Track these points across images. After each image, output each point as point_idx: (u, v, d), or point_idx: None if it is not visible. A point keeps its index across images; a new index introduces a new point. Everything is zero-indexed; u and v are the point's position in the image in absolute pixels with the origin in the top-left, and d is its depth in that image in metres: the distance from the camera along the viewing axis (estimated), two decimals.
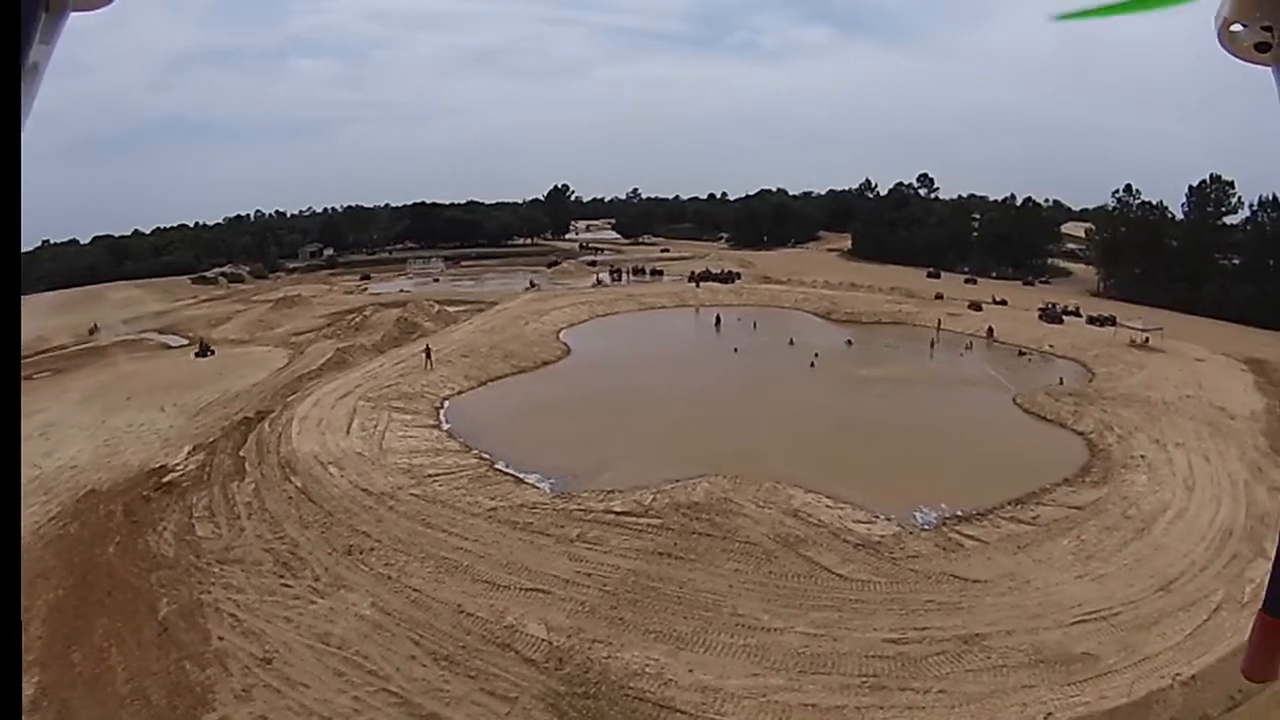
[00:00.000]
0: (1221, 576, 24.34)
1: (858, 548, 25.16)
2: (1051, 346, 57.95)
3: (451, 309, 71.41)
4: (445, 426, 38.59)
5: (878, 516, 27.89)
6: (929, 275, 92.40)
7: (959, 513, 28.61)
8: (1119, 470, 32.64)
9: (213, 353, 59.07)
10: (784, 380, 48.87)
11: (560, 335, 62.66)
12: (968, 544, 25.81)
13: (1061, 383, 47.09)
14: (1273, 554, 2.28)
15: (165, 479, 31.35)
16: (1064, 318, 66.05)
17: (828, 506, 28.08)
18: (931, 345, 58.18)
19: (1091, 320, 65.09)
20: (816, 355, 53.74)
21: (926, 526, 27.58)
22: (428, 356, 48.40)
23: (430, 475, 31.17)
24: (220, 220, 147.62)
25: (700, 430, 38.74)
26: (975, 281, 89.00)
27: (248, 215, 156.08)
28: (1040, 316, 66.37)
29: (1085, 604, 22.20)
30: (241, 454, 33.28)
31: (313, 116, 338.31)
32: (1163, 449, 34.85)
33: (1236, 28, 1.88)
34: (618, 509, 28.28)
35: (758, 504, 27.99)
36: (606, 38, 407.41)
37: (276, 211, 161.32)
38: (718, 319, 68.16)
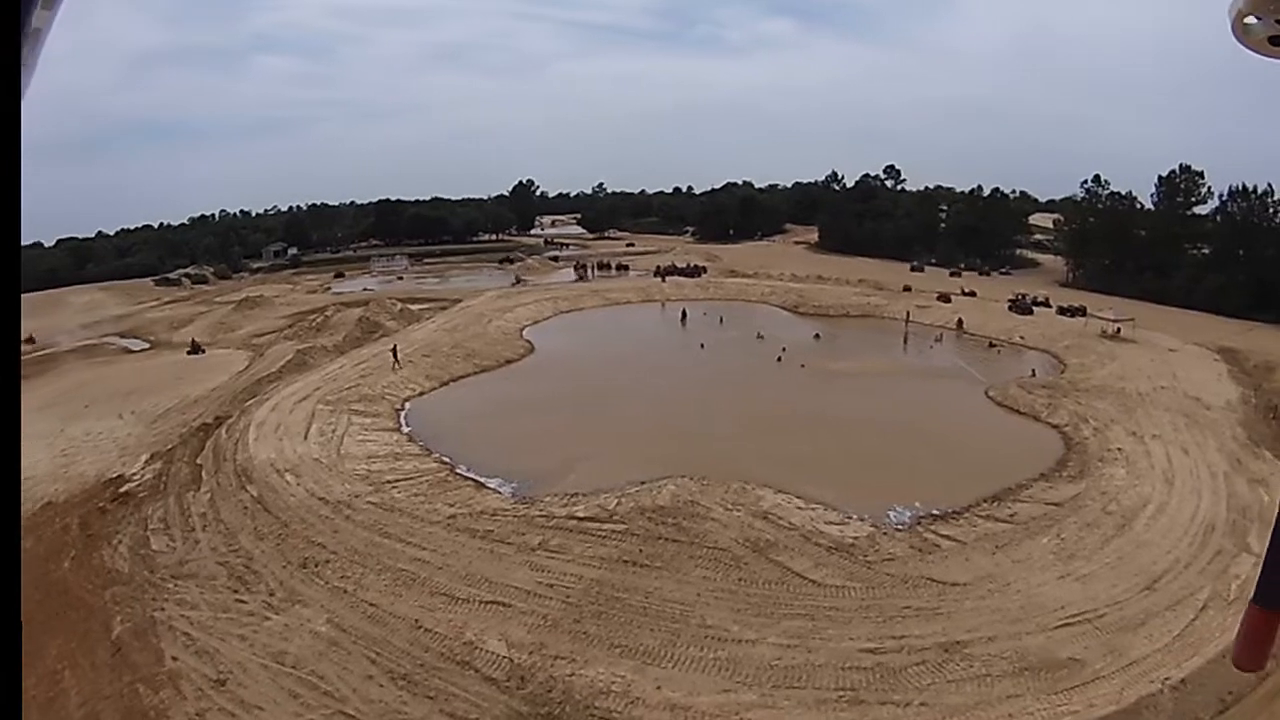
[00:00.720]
0: (1206, 573, 23.70)
1: (831, 551, 24.18)
2: (1022, 338, 57.52)
3: (414, 307, 70.11)
4: (406, 429, 37.66)
5: (850, 517, 26.98)
6: (912, 269, 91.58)
7: (934, 511, 27.80)
8: (1096, 464, 32.00)
9: (203, 351, 60.62)
10: (751, 376, 47.97)
11: (524, 333, 61.53)
12: (944, 544, 24.93)
13: (1034, 375, 46.64)
14: (1257, 548, 5.47)
15: (122, 489, 30.61)
16: (1034, 309, 65.71)
17: (799, 508, 27.08)
18: (905, 341, 57.29)
19: (1062, 311, 64.88)
20: (784, 350, 52.81)
21: (901, 527, 26.70)
22: (395, 356, 47.64)
23: (389, 482, 30.20)
24: (185, 220, 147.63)
25: (666, 429, 37.73)
26: (959, 274, 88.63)
27: (213, 215, 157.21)
28: (1010, 308, 65.97)
29: (1068, 606, 21.40)
30: (198, 462, 32.51)
31: (278, 115, 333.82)
32: (1140, 441, 34.33)
33: (1251, 20, 1.85)
34: (580, 514, 27.13)
35: (726, 507, 26.91)
36: (572, 33, 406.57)
37: (241, 211, 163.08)
38: (683, 314, 67.08)
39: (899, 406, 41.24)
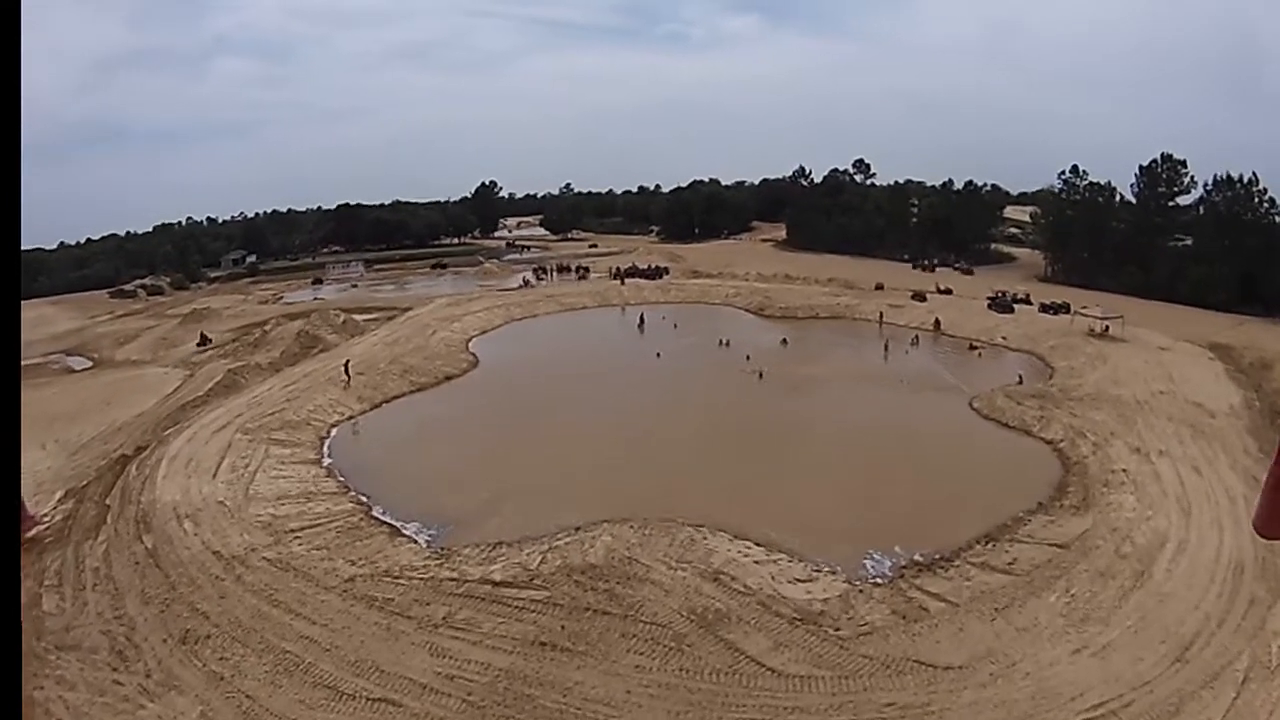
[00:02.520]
0: (1242, 632, 19.93)
1: (795, 623, 19.99)
2: (1004, 338, 53.98)
3: (361, 317, 66.38)
4: (327, 461, 34.56)
5: (819, 569, 23.04)
6: (921, 268, 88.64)
7: (918, 557, 23.91)
8: (1101, 490, 28.21)
9: (211, 341, 62.45)
10: (711, 388, 44.03)
11: (470, 344, 57.64)
12: (933, 606, 20.87)
13: (1021, 381, 42.82)
14: None
15: (29, 534, 27.72)
16: (1015, 306, 62.23)
17: (756, 562, 23.01)
18: (885, 347, 52.74)
19: (1045, 308, 61.50)
20: (748, 358, 48.95)
21: (880, 580, 22.71)
22: (346, 372, 45.68)
23: (292, 531, 26.90)
24: (150, 228, 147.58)
25: (611, 455, 33.96)
26: (933, 268, 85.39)
27: (179, 222, 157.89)
28: (990, 305, 62.47)
29: (1088, 692, 17.41)
30: (107, 502, 29.70)
31: (240, 117, 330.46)
32: (1145, 459, 30.62)
33: None
34: (497, 577, 22.94)
35: (669, 564, 22.70)
36: (534, 30, 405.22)
37: (208, 218, 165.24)
38: (641, 319, 63.16)
39: (874, 423, 37.36)
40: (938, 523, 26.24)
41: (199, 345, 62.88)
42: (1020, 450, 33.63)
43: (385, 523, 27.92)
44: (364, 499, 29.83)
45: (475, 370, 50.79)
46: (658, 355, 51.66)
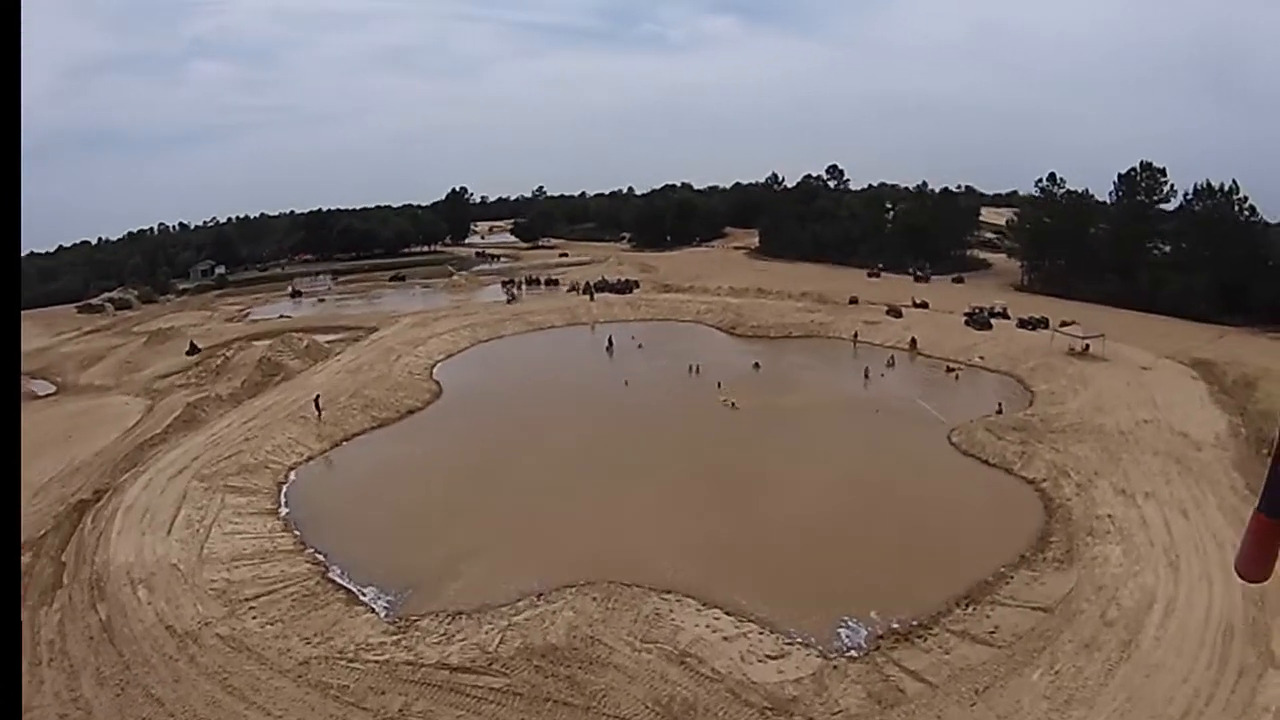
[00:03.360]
0: (1231, 708, 19.19)
1: (765, 713, 18.96)
2: (982, 358, 53.37)
3: (325, 338, 65.41)
4: (284, 511, 33.50)
5: (792, 641, 22.15)
6: (869, 275, 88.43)
7: (895, 624, 23.04)
8: (1085, 540, 27.44)
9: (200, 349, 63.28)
10: (681, 422, 42.98)
11: (435, 370, 56.63)
12: (910, 688, 19.91)
13: (1000, 410, 42.07)
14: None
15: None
16: (992, 321, 61.55)
17: (725, 639, 22.00)
18: (866, 374, 51.37)
19: (1023, 324, 60.93)
20: (719, 385, 48.00)
21: (855, 652, 21.80)
22: (318, 408, 45.19)
23: (247, 599, 25.89)
24: (123, 235, 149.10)
25: (574, 504, 32.86)
26: (927, 279, 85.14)
27: (150, 229, 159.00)
28: (967, 322, 61.86)
29: None
30: (63, 559, 29.05)
31: (217, 122, 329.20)
32: (1131, 502, 29.91)
33: None
34: (455, 661, 21.95)
35: (634, 645, 21.62)
36: (512, 34, 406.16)
37: (180, 223, 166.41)
38: (610, 342, 62.06)
39: (850, 464, 36.36)
40: (916, 580, 25.39)
41: (188, 353, 64.31)
42: (1002, 492, 32.80)
43: (342, 587, 26.87)
44: (321, 557, 28.88)
45: (438, 401, 49.67)
46: (625, 383, 50.60)
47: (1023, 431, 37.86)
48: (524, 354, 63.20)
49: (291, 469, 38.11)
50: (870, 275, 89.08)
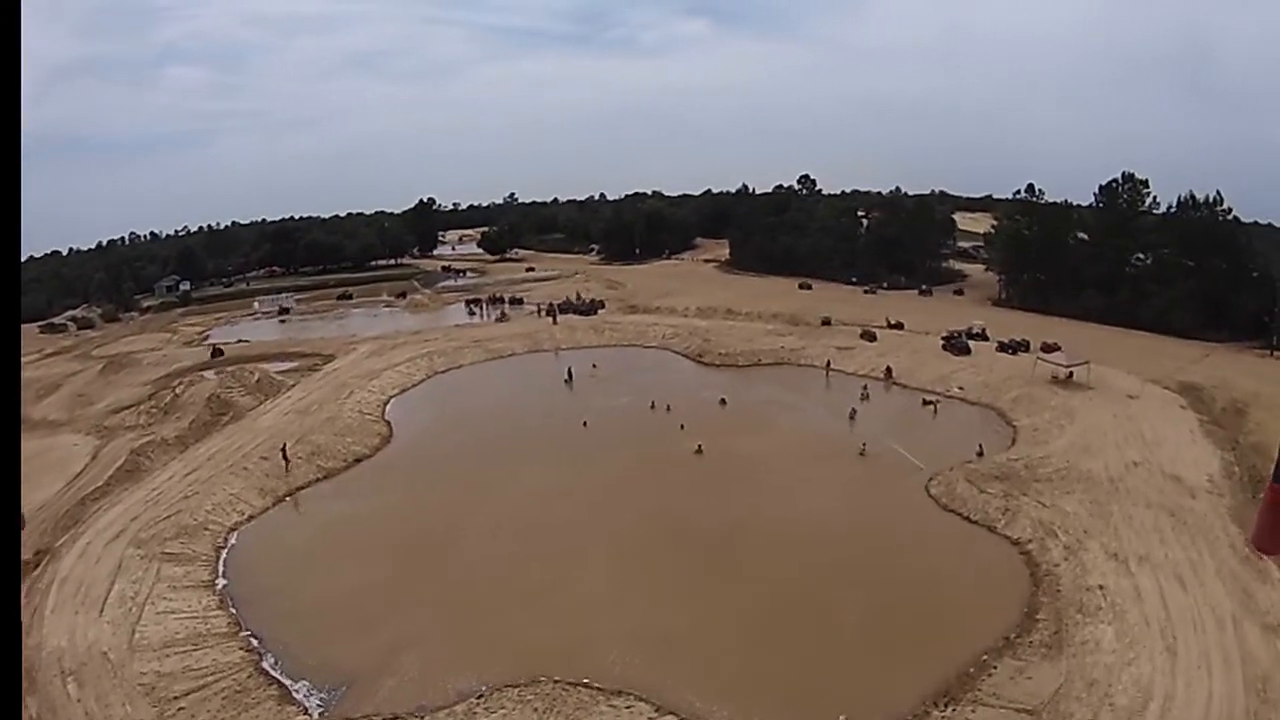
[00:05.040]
0: None
1: None
2: (961, 389, 51.56)
3: (280, 369, 63.82)
4: (220, 584, 32.01)
5: None
6: (867, 291, 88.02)
7: None
8: (1075, 618, 25.57)
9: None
10: (638, 473, 40.85)
11: (387, 408, 54.55)
12: None
13: (981, 453, 40.12)
14: None
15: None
16: (971, 344, 59.81)
17: None
18: (851, 417, 47.98)
19: (1003, 347, 59.28)
20: (682, 427, 45.86)
21: None
22: (285, 456, 43.91)
23: (177, 697, 24.48)
24: (94, 244, 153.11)
25: (521, 578, 30.88)
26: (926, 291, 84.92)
27: (122, 238, 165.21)
28: (945, 346, 60.05)
29: None
30: None
31: (189, 128, 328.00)
32: (1124, 569, 28.09)
33: None
34: None
35: None
36: (484, 37, 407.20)
37: (151, 233, 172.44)
38: (570, 373, 59.73)
39: (819, 525, 34.14)
40: (892, 673, 23.66)
41: (212, 357, 69.96)
42: (984, 557, 30.80)
43: (275, 680, 25.47)
44: (255, 642, 27.55)
45: (388, 448, 47.62)
46: (584, 424, 48.33)
47: (1006, 481, 35.92)
48: (481, 386, 61.12)
49: (232, 530, 36.65)
50: (866, 292, 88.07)
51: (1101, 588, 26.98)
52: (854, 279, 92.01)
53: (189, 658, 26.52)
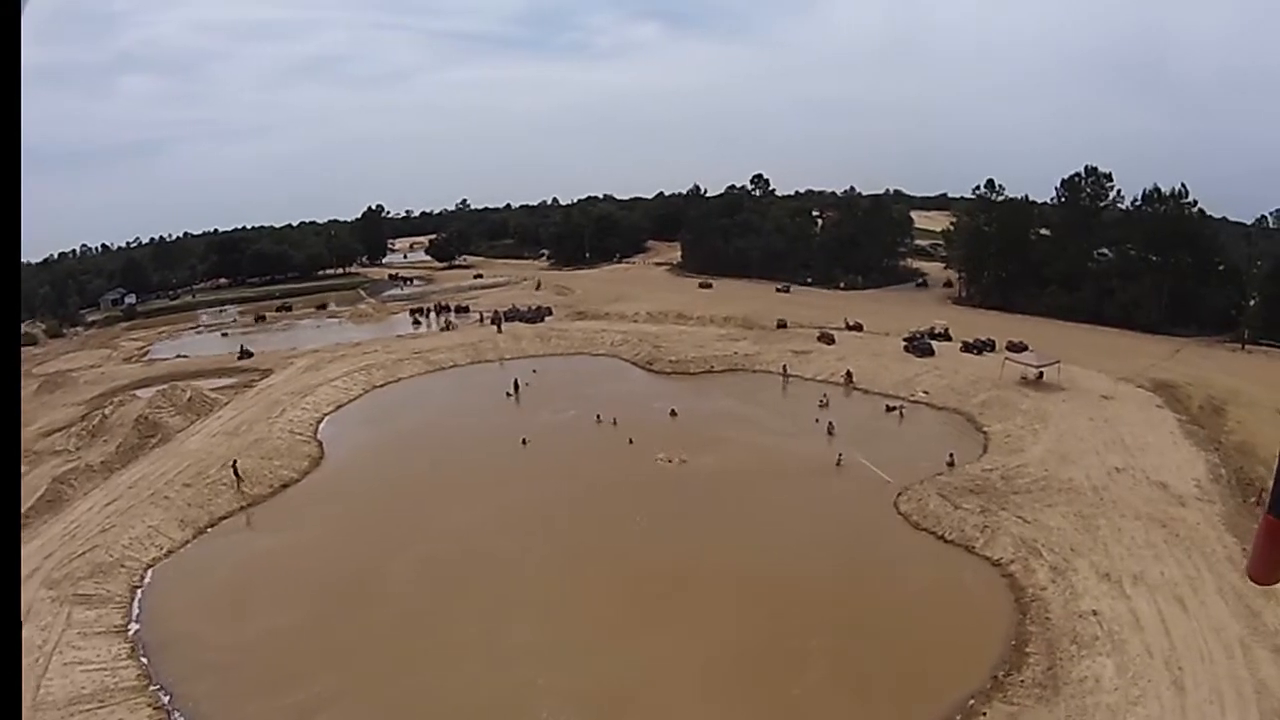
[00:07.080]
0: None
1: None
2: (926, 393, 49.29)
3: (213, 386, 60.17)
4: (133, 629, 29.69)
5: None
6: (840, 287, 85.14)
7: None
8: (1068, 649, 23.16)
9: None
10: (579, 498, 37.65)
11: (320, 427, 51.10)
12: None
13: (952, 462, 37.77)
14: None
15: None
16: (934, 345, 57.78)
17: None
18: (824, 431, 44.19)
19: (968, 347, 57.44)
20: (631, 441, 43.15)
21: None
22: (237, 475, 41.93)
23: None
24: (42, 259, 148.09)
25: (447, 624, 27.93)
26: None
27: (73, 251, 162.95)
28: (907, 348, 57.89)
29: None
30: None
31: (142, 137, 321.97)
32: (1119, 591, 25.81)
33: None
34: None
35: None
36: (436, 42, 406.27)
37: (102, 245, 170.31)
38: (515, 385, 56.50)
39: (779, 554, 30.97)
40: None
41: (239, 358, 70.00)
42: (963, 582, 28.25)
43: None
44: (165, 699, 25.33)
45: (316, 471, 44.23)
46: (524, 442, 45.15)
47: (981, 495, 33.48)
48: (419, 400, 57.52)
49: (150, 566, 34.20)
50: (780, 290, 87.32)
51: (1095, 613, 24.60)
52: (809, 281, 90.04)
53: (93, 717, 24.40)
